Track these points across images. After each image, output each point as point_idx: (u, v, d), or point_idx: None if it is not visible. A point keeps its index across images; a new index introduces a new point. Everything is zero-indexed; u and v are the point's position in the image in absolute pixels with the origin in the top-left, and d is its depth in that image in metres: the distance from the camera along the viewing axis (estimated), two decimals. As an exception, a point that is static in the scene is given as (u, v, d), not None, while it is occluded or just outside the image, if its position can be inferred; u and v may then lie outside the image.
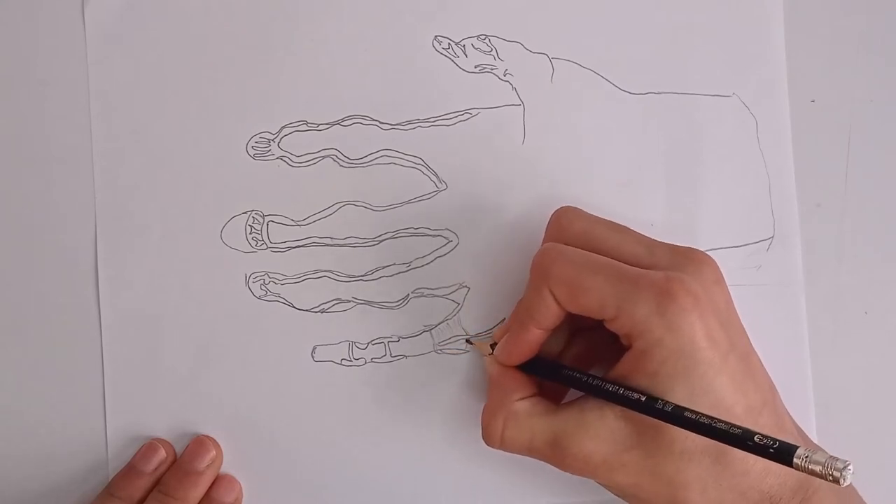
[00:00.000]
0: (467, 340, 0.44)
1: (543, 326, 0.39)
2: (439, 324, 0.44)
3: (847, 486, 0.40)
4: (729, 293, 0.39)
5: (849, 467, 0.31)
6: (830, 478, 0.31)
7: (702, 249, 0.40)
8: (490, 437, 0.39)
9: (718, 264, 0.38)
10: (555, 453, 0.38)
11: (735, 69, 0.45)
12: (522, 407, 0.39)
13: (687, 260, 0.38)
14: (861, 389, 0.45)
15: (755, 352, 0.39)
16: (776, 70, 0.45)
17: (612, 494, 0.39)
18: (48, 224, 0.44)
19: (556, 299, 0.38)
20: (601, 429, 0.37)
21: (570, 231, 0.40)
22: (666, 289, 0.36)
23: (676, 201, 0.45)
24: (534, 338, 0.39)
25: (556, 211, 0.41)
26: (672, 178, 0.45)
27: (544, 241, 0.41)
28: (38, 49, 0.44)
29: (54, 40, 0.44)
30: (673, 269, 0.37)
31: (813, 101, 0.45)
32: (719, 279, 0.38)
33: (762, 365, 0.39)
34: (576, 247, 0.39)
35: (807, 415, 0.44)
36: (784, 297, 0.45)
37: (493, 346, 0.41)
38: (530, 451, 0.39)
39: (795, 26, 0.45)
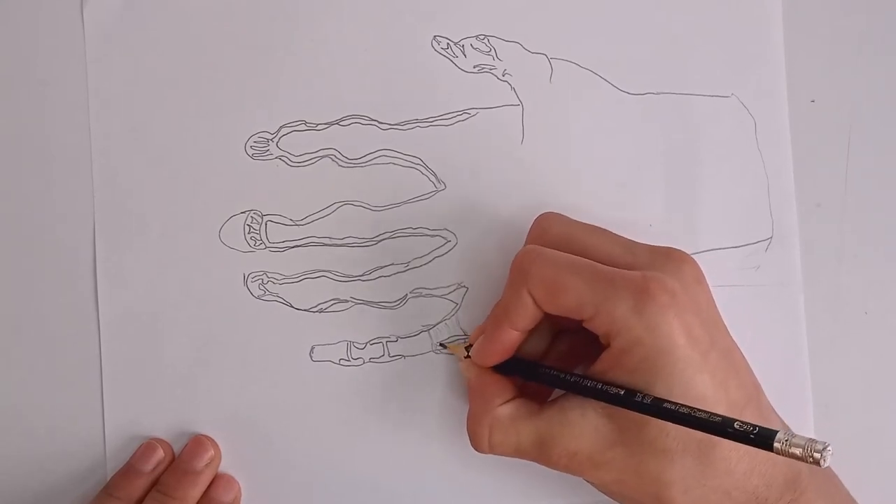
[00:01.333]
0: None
1: (519, 328, 0.39)
2: (437, 324, 0.44)
3: (836, 487, 0.40)
4: (710, 291, 0.39)
5: (828, 448, 0.31)
6: (811, 459, 0.31)
7: (700, 250, 0.40)
8: (478, 443, 0.40)
9: (712, 265, 0.39)
10: (541, 453, 0.38)
11: (734, 69, 0.45)
12: (506, 411, 0.39)
13: (666, 259, 0.38)
14: (861, 389, 0.45)
15: (739, 350, 0.39)
16: (775, 70, 0.45)
17: (605, 495, 0.39)
18: (47, 223, 0.44)
19: (534, 300, 0.38)
20: (584, 427, 0.37)
21: (551, 234, 0.40)
22: (643, 287, 0.36)
23: (675, 202, 0.44)
24: (510, 339, 0.39)
25: (538, 216, 0.42)
26: (671, 178, 0.45)
27: (525, 244, 0.42)
28: (38, 48, 0.44)
29: (53, 40, 0.44)
30: (652, 268, 0.37)
31: (813, 102, 0.45)
32: (699, 277, 0.38)
33: (746, 363, 0.39)
34: (556, 250, 0.39)
35: (805, 415, 0.44)
36: (782, 297, 0.45)
37: (467, 348, 0.41)
38: (518, 453, 0.39)
39: (795, 26, 0.45)
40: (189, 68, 0.44)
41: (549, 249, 0.39)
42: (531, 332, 0.40)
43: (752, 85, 0.45)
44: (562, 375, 0.38)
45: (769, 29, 0.45)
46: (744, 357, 0.39)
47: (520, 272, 0.38)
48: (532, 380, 0.40)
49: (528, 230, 0.42)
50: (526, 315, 0.38)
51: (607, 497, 0.39)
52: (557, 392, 0.40)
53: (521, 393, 0.40)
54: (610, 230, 0.40)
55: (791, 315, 0.45)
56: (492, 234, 0.44)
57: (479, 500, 0.44)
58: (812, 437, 0.31)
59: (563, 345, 0.42)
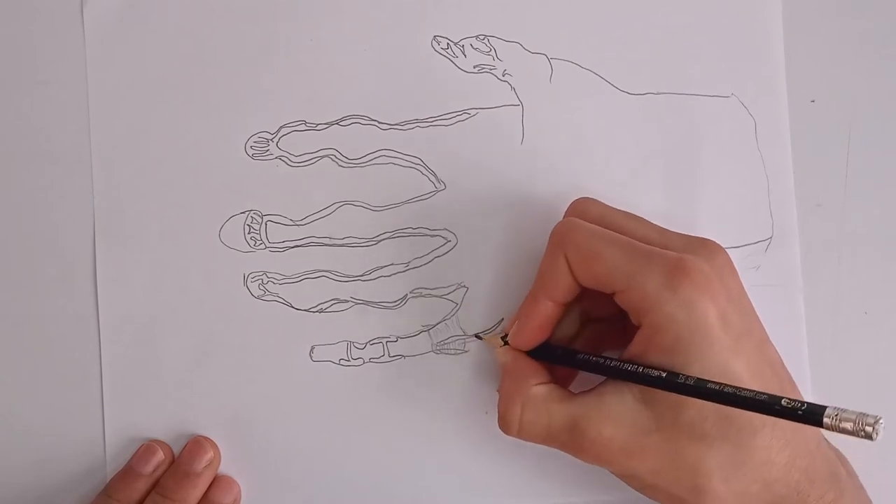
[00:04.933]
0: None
1: (556, 298, 0.39)
2: (437, 324, 0.44)
3: (867, 499, 0.39)
4: (741, 282, 0.38)
5: (881, 422, 0.30)
6: (862, 433, 0.30)
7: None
8: (508, 424, 0.39)
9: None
10: (573, 439, 0.37)
11: (734, 69, 0.45)
12: (540, 392, 0.39)
13: (700, 247, 0.38)
14: (861, 389, 0.45)
15: (773, 345, 0.38)
16: (775, 70, 0.45)
17: (616, 496, 0.39)
18: (46, 224, 0.44)
19: (570, 268, 0.38)
20: (621, 413, 0.36)
21: (588, 215, 0.40)
22: (679, 265, 0.36)
23: (675, 202, 0.44)
24: (546, 312, 0.39)
25: (574, 200, 0.41)
26: (671, 178, 0.45)
27: None
28: (37, 49, 0.44)
29: (53, 40, 0.44)
30: (687, 253, 0.37)
31: (813, 101, 0.45)
32: (732, 268, 0.38)
33: (780, 358, 0.38)
34: None
35: (806, 415, 0.44)
36: (783, 297, 0.45)
37: (503, 338, 0.41)
38: (548, 437, 0.38)
39: (795, 26, 0.45)
40: (189, 68, 0.44)
41: (587, 223, 0.39)
42: (562, 319, 0.40)
43: (752, 85, 0.45)
44: (601, 360, 0.38)
45: (769, 29, 0.45)
46: (776, 352, 0.38)
47: (558, 239, 0.39)
48: (569, 366, 0.40)
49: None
50: (562, 285, 0.38)
51: (616, 497, 0.39)
52: (583, 384, 0.39)
53: (553, 381, 0.40)
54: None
55: (791, 315, 0.45)
56: (492, 234, 0.44)
57: (479, 499, 0.44)
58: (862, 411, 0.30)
59: (590, 333, 0.42)
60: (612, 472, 0.39)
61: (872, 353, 0.45)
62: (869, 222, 0.45)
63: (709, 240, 0.39)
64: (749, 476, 0.35)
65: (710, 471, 0.35)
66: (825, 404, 0.31)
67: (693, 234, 0.40)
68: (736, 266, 0.39)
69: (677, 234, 0.39)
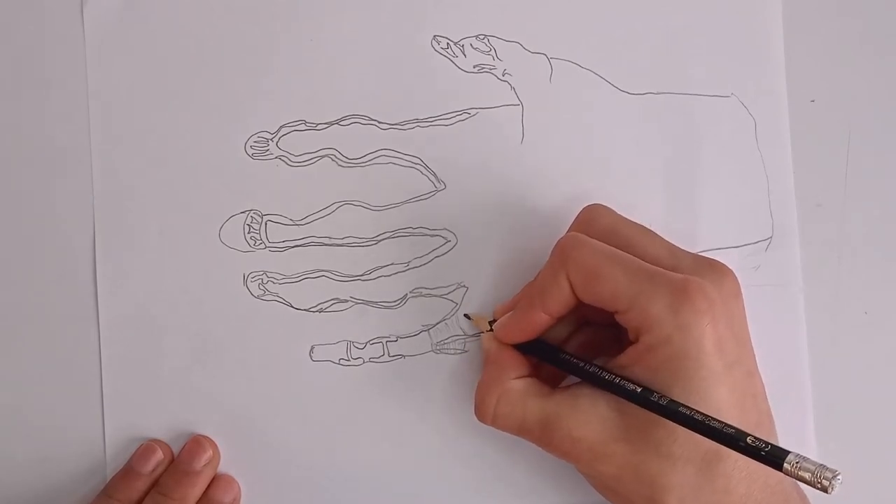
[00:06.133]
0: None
1: (551, 312, 0.39)
2: (437, 324, 0.44)
3: None
4: (744, 310, 0.38)
5: (838, 477, 0.30)
6: (819, 486, 0.30)
7: (700, 249, 0.40)
8: (483, 413, 0.39)
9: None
10: (544, 434, 0.38)
11: (734, 69, 0.45)
12: (517, 386, 0.39)
13: (709, 269, 0.38)
14: (861, 389, 0.45)
15: (760, 377, 0.38)
16: (775, 70, 0.45)
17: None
18: (47, 224, 0.44)
19: (571, 286, 0.38)
20: (592, 416, 0.37)
21: (597, 226, 0.40)
22: (683, 289, 0.36)
23: (675, 202, 0.44)
24: (539, 322, 0.39)
25: (586, 206, 0.41)
26: (671, 178, 0.45)
27: (568, 231, 0.41)
28: (37, 49, 0.44)
29: (53, 40, 0.44)
30: (695, 275, 0.37)
31: (813, 101, 0.45)
32: (738, 294, 0.38)
33: (764, 391, 0.38)
34: (600, 241, 0.39)
35: (805, 415, 0.44)
36: (783, 297, 0.45)
37: (491, 322, 0.41)
38: (520, 430, 0.39)
39: (795, 26, 0.45)
40: (189, 68, 0.44)
41: (592, 239, 0.38)
42: (555, 323, 0.40)
43: (752, 85, 0.45)
44: (581, 364, 0.38)
45: (769, 29, 0.45)
46: (763, 385, 0.38)
47: (561, 257, 0.38)
48: (551, 363, 0.40)
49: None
50: (560, 300, 0.38)
51: (600, 497, 0.39)
52: (570, 380, 0.40)
53: (535, 375, 0.40)
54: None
55: (791, 315, 0.45)
56: (492, 234, 0.44)
57: (480, 499, 0.44)
58: (823, 463, 0.31)
59: (585, 336, 0.42)
60: (578, 470, 0.39)
61: (872, 353, 0.45)
62: (869, 222, 0.45)
63: (718, 262, 0.39)
64: (705, 501, 0.36)
65: (669, 488, 0.36)
66: (789, 450, 0.32)
67: (699, 241, 0.39)
68: (736, 266, 0.39)
69: (688, 253, 0.39)
